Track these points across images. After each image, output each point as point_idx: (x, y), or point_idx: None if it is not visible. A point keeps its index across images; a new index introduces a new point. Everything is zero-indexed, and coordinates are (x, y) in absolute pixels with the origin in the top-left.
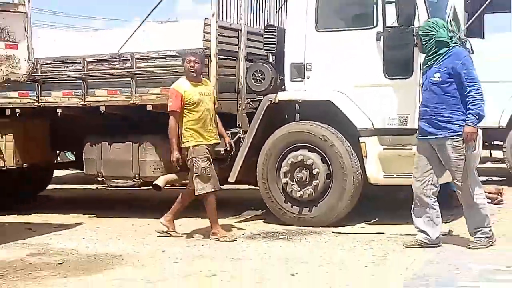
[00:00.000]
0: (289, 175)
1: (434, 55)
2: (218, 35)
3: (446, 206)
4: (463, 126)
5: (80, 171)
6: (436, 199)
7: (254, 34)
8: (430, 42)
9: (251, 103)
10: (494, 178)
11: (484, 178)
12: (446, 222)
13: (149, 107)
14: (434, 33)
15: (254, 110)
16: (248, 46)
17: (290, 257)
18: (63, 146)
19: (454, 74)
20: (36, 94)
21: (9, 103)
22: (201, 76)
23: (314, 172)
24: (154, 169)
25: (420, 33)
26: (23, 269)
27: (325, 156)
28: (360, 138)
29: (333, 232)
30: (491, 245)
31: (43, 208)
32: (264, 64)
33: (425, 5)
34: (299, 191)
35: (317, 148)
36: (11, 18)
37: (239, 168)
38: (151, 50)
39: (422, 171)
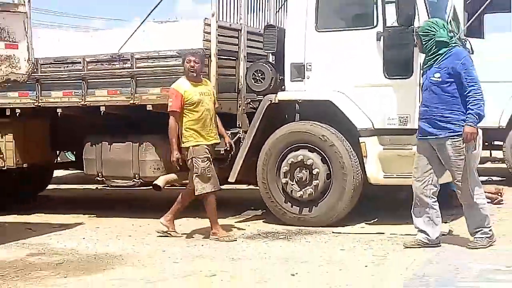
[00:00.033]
0: (289, 175)
1: (434, 55)
2: (218, 35)
3: (446, 206)
4: (463, 126)
5: (80, 171)
6: (436, 199)
7: (254, 34)
8: (430, 42)
9: (251, 103)
10: (494, 178)
11: (484, 178)
12: (446, 222)
13: (149, 107)
14: (434, 33)
15: (254, 110)
16: (248, 46)
17: (290, 257)
18: (63, 146)
19: (454, 74)
20: (36, 94)
21: (9, 103)
22: (201, 76)
23: (314, 172)
24: (154, 169)
25: (420, 33)
26: (23, 269)
27: (325, 156)
28: (360, 138)
29: (333, 232)
30: (491, 245)
31: (43, 208)
32: (264, 64)
33: (425, 5)
34: (299, 191)
35: (317, 148)
36: (11, 18)
37: (239, 168)
38: (151, 50)
39: (422, 171)
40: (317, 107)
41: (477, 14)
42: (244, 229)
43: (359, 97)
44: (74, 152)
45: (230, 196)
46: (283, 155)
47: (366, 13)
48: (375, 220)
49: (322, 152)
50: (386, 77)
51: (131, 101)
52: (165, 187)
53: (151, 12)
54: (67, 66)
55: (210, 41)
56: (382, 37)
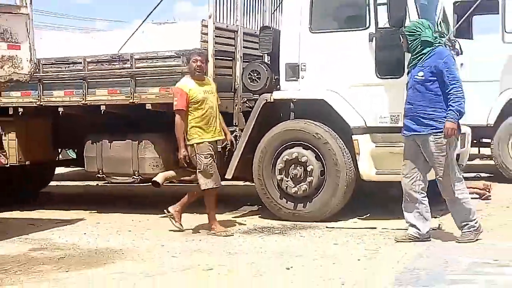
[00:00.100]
0: (284, 172)
1: (418, 55)
2: (215, 36)
3: (436, 202)
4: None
5: (81, 169)
6: (425, 194)
7: (250, 35)
8: (415, 41)
9: (247, 102)
10: (483, 174)
11: (472, 175)
12: (435, 217)
13: (148, 106)
14: (419, 33)
15: (250, 109)
16: (244, 47)
17: (285, 251)
18: (65, 144)
19: (437, 73)
20: (38, 93)
21: (12, 102)
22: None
23: (308, 169)
24: (153, 166)
25: (406, 33)
26: (26, 263)
27: (319, 153)
28: (353, 136)
29: (326, 227)
30: (478, 240)
31: (45, 204)
32: (260, 64)
33: (416, 7)
34: (293, 187)
35: (311, 146)
36: (14, 19)
37: (236, 165)
38: (150, 50)
39: (409, 168)
40: (311, 106)
41: (466, 16)
42: (241, 224)
43: (352, 96)
44: (75, 150)
45: (227, 192)
46: (278, 153)
47: (358, 14)
48: (368, 215)
49: (316, 150)
50: (378, 77)
51: (131, 100)
52: (164, 184)
53: (150, 13)
54: (68, 66)
55: (207, 42)
56: (374, 38)
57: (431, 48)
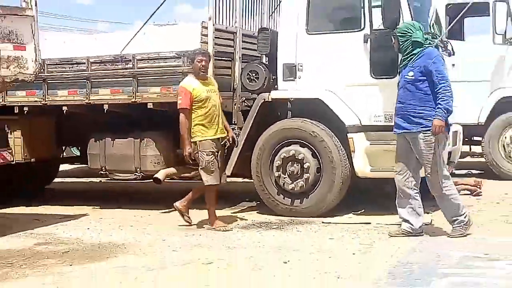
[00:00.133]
0: (281, 169)
1: (409, 55)
2: (215, 37)
3: (428, 198)
4: None
5: (84, 166)
6: (418, 190)
7: (249, 36)
8: (406, 42)
9: (245, 101)
10: (474, 171)
11: (464, 172)
12: (428, 213)
13: (149, 105)
14: (410, 34)
15: (249, 108)
16: (243, 48)
17: (283, 245)
18: (69, 142)
19: (426, 73)
20: (43, 93)
21: (17, 101)
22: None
23: (305, 166)
24: (155, 163)
25: (397, 34)
26: (31, 257)
27: (315, 151)
28: (348, 134)
29: (322, 222)
30: (469, 234)
31: (50, 200)
32: (258, 65)
33: (409, 9)
34: (291, 184)
35: (308, 144)
36: (19, 21)
37: (235, 162)
38: (151, 51)
39: (402, 165)
40: (308, 105)
41: (458, 18)
42: (240, 220)
43: (347, 96)
44: (79, 148)
45: (226, 189)
46: (276, 150)
47: (354, 16)
48: (362, 211)
49: (312, 147)
50: (372, 77)
51: (133, 100)
52: (165, 180)
53: (151, 15)
54: (72, 67)
55: (207, 43)
56: (369, 40)
57: (421, 48)
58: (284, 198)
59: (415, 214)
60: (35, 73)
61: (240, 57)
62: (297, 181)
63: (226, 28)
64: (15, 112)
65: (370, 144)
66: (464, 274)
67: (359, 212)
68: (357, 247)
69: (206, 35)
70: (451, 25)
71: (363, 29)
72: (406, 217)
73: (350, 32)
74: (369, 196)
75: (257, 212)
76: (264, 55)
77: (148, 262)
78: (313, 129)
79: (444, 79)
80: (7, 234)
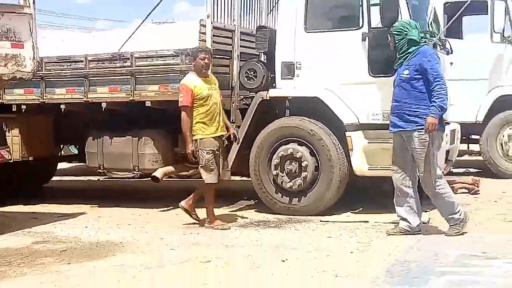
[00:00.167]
0: (279, 167)
1: (404, 54)
2: (213, 35)
3: (425, 196)
4: None
5: (82, 164)
6: (415, 189)
7: (247, 34)
8: (402, 41)
9: (244, 99)
10: (471, 169)
11: (462, 170)
12: (425, 211)
13: (147, 103)
14: (406, 32)
15: (247, 106)
16: (241, 46)
17: (281, 244)
18: (67, 140)
19: (421, 71)
20: (41, 91)
21: (15, 99)
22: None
23: (303, 164)
24: (153, 161)
25: (394, 32)
26: (29, 255)
27: (313, 149)
28: (346, 133)
29: (320, 221)
30: (465, 232)
31: (48, 198)
32: (256, 63)
33: (407, 8)
34: (289, 182)
35: (306, 142)
36: (17, 19)
37: (233, 160)
38: (149, 49)
39: (399, 164)
40: (306, 103)
41: (456, 16)
42: (238, 218)
43: (345, 94)
44: (77, 146)
45: (224, 187)
46: (274, 149)
47: (352, 15)
48: (360, 209)
49: (310, 146)
50: (370, 75)
51: (131, 98)
52: (163, 179)
53: (149, 13)
54: (70, 65)
55: (205, 41)
56: (367, 38)
57: (417, 47)
58: (282, 197)
59: (412, 213)
60: (33, 71)
61: (238, 55)
62: (295, 180)
63: (224, 26)
64: (13, 110)
65: (368, 142)
66: (461, 273)
67: (357, 210)
68: (355, 246)
69: (204, 33)
70: (449, 23)
71: (361, 27)
72: (404, 216)
73: (349, 30)
74: (367, 194)
75: (255, 211)
76: (262, 53)
77: (146, 261)
78: (311, 128)
79: (439, 77)
80: (5, 232)
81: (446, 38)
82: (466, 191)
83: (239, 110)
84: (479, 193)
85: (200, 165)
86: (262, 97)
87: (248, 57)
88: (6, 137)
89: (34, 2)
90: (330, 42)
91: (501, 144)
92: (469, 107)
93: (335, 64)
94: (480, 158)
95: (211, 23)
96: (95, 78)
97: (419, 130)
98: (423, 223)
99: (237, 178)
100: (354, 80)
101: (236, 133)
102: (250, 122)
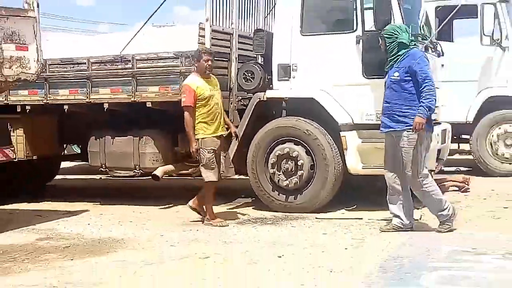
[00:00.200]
0: (276, 166)
1: (395, 56)
2: (212, 38)
3: None
4: None
5: (85, 163)
6: (407, 187)
7: (245, 37)
8: (392, 44)
9: (241, 100)
10: (462, 168)
11: (452, 168)
12: (417, 209)
13: (148, 104)
14: (396, 36)
15: (245, 107)
16: (239, 48)
17: (277, 240)
18: (70, 139)
19: (411, 73)
20: (45, 92)
21: (19, 100)
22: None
23: (299, 163)
24: (153, 160)
25: (384, 35)
26: (33, 252)
27: (309, 148)
28: (340, 132)
29: (316, 218)
30: (455, 229)
31: (51, 196)
32: (254, 65)
33: (400, 11)
34: (285, 180)
35: (302, 141)
36: (22, 22)
37: (231, 159)
38: (150, 52)
39: (391, 163)
40: (302, 104)
41: (447, 19)
42: (236, 215)
43: (340, 95)
44: (80, 146)
45: (222, 185)
46: (271, 148)
47: (346, 18)
48: (354, 207)
49: (306, 145)
50: (364, 77)
51: (132, 99)
52: (163, 177)
53: (150, 17)
54: (73, 67)
55: (204, 44)
56: (361, 41)
57: (406, 50)
58: (279, 195)
59: (405, 210)
60: (37, 73)
61: (236, 58)
62: (291, 178)
63: (223, 29)
64: (18, 110)
65: (362, 142)
66: (453, 268)
67: (351, 208)
68: (349, 242)
69: (204, 36)
70: (441, 26)
71: (355, 30)
72: (396, 213)
73: (343, 33)
74: (361, 192)
75: (252, 208)
76: (259, 56)
77: (147, 257)
78: (307, 128)
79: (428, 78)
80: (10, 229)
81: (438, 41)
82: (457, 189)
83: (237, 110)
84: (469, 191)
85: (201, 164)
86: (260, 98)
87: (246, 59)
88: (11, 136)
89: (38, 6)
90: (325, 45)
91: (491, 144)
92: (459, 108)
93: (330, 66)
94: (470, 157)
95: (210, 26)
96: (98, 79)
97: (408, 130)
98: (415, 220)
99: (235, 176)
100: (349, 82)
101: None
102: (247, 122)
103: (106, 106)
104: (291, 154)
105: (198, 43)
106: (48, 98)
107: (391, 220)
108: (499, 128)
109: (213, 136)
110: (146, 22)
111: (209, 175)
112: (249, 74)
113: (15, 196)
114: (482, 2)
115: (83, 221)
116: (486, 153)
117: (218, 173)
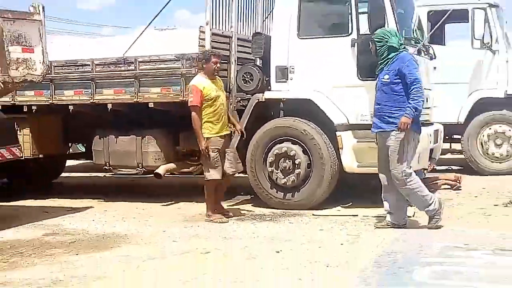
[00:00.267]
0: (274, 165)
1: (385, 59)
2: (212, 41)
3: None
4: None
5: (89, 161)
6: None
7: (244, 40)
8: (383, 47)
9: (240, 101)
10: (454, 167)
11: (444, 167)
12: (411, 206)
13: (150, 105)
14: (386, 39)
15: (244, 108)
16: (238, 51)
17: (275, 236)
18: (74, 139)
19: (400, 75)
20: (50, 93)
21: (26, 100)
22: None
23: (297, 162)
24: (155, 159)
25: (375, 39)
26: (39, 247)
27: (306, 148)
28: (336, 132)
29: (313, 215)
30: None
31: (57, 193)
32: (252, 67)
33: (394, 16)
34: (283, 178)
35: (299, 141)
36: (28, 25)
37: None
38: (152, 54)
39: (384, 162)
40: (299, 105)
41: (439, 23)
42: (235, 212)
43: (336, 96)
44: (84, 144)
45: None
46: (269, 147)
47: (342, 22)
48: (350, 204)
49: (303, 145)
50: (359, 79)
51: (135, 99)
52: (165, 175)
53: (152, 20)
54: (78, 68)
55: (204, 47)
56: (356, 44)
57: (396, 53)
58: (277, 192)
59: (399, 207)
60: (42, 74)
61: (235, 60)
62: (289, 176)
63: (222, 32)
64: (24, 111)
65: (357, 141)
66: (445, 263)
67: (347, 205)
68: (345, 238)
69: (204, 39)
70: (433, 30)
71: (350, 34)
72: (390, 210)
73: (339, 37)
74: (356, 190)
75: (251, 205)
76: (258, 58)
77: (150, 252)
78: (304, 128)
79: (416, 81)
80: (17, 225)
81: (430, 44)
82: (449, 187)
83: (236, 111)
84: (460, 189)
85: (205, 162)
86: (258, 99)
87: (245, 62)
88: (18, 136)
89: (43, 10)
90: (321, 48)
91: (481, 143)
92: (451, 109)
93: (326, 68)
94: (462, 156)
95: (210, 29)
96: (101, 81)
97: (396, 130)
98: (409, 216)
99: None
100: (344, 83)
101: (233, 134)
102: (246, 122)
103: (109, 106)
104: (288, 153)
105: (199, 46)
106: (53, 99)
107: (386, 217)
108: (490, 128)
109: (218, 136)
110: (148, 25)
111: (212, 174)
112: (248, 76)
113: (22, 193)
114: (473, 7)
115: (88, 217)
116: (477, 153)
117: (221, 171)
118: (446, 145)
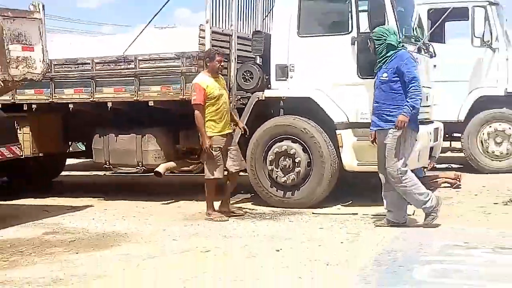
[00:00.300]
0: (274, 163)
1: (383, 58)
2: (212, 39)
3: None
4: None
5: (89, 160)
6: None
7: (244, 38)
8: (381, 45)
9: (241, 99)
10: (454, 165)
11: (444, 166)
12: (410, 204)
13: (150, 103)
14: (385, 38)
15: (244, 106)
16: (238, 49)
17: (275, 234)
18: (75, 137)
19: (399, 74)
20: (50, 91)
21: (26, 99)
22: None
23: (296, 160)
24: (155, 157)
25: (374, 37)
26: (39, 245)
27: (306, 146)
28: (336, 130)
29: (313, 213)
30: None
31: (57, 192)
32: (253, 65)
33: (394, 14)
34: (283, 177)
35: (299, 139)
36: (28, 23)
37: None
38: (152, 52)
39: (383, 160)
40: (299, 103)
41: (439, 22)
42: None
43: (335, 95)
44: (84, 143)
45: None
46: (269, 146)
47: (342, 20)
48: (350, 202)
49: (303, 143)
50: (359, 77)
51: (135, 98)
52: (165, 174)
53: (152, 19)
54: (78, 67)
55: (204, 45)
56: (356, 42)
57: (394, 51)
58: (277, 191)
59: (399, 205)
60: (42, 73)
61: (235, 58)
62: (289, 175)
63: (223, 31)
64: (24, 109)
65: (357, 139)
66: (445, 261)
67: (347, 203)
68: (345, 236)
69: (204, 38)
70: (433, 28)
71: (350, 32)
72: (390, 208)
73: (339, 35)
74: (356, 188)
75: (251, 204)
76: (258, 56)
77: (150, 250)
78: (304, 126)
79: (414, 79)
80: (17, 224)
81: (430, 42)
82: (449, 185)
83: (236, 109)
84: (460, 187)
85: (207, 161)
86: (258, 97)
87: (245, 60)
88: (18, 134)
89: (43, 8)
90: (321, 46)
91: (481, 142)
92: (451, 107)
93: (326, 66)
94: (462, 154)
95: (210, 28)
96: (101, 79)
97: (393, 128)
98: (408, 215)
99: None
100: (344, 82)
101: (233, 132)
102: (246, 120)
103: (109, 105)
104: (288, 152)
105: (199, 44)
106: (53, 97)
107: (386, 215)
108: (490, 126)
109: (220, 135)
110: (148, 23)
111: (213, 172)
112: (248, 74)
113: (22, 192)
114: (473, 5)
115: (88, 216)
116: (477, 151)
117: (222, 170)
118: (446, 143)
